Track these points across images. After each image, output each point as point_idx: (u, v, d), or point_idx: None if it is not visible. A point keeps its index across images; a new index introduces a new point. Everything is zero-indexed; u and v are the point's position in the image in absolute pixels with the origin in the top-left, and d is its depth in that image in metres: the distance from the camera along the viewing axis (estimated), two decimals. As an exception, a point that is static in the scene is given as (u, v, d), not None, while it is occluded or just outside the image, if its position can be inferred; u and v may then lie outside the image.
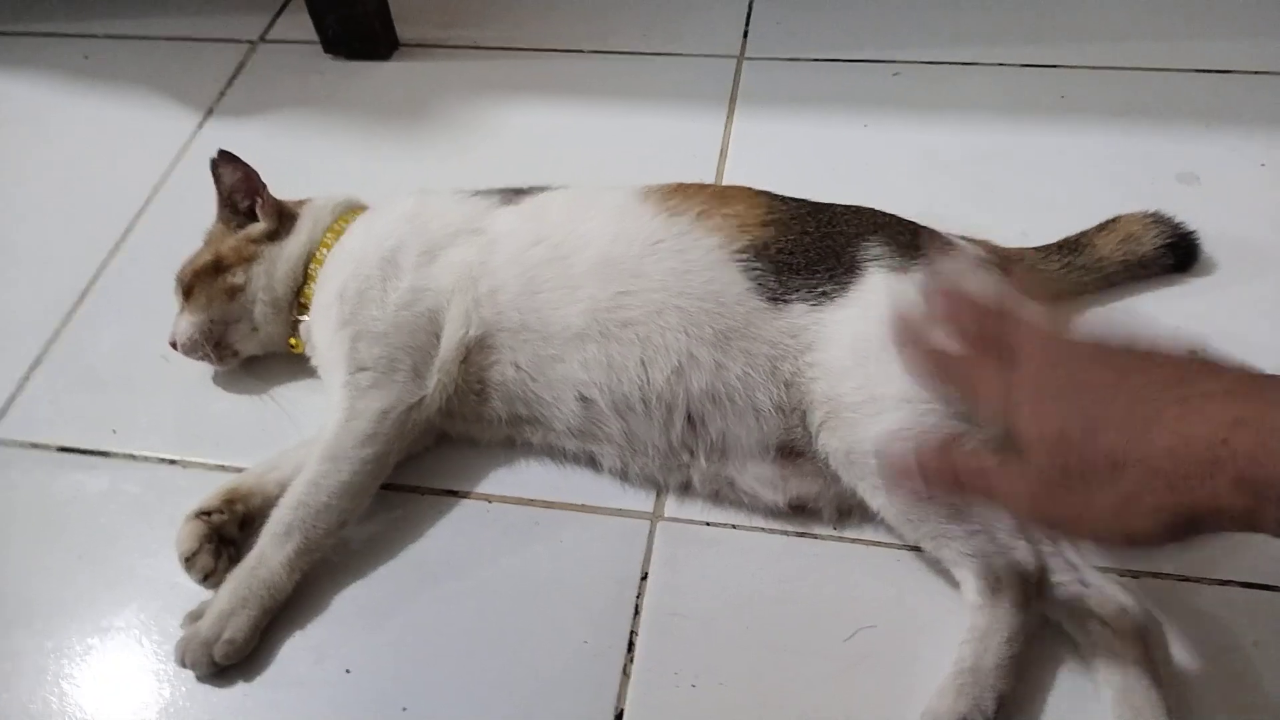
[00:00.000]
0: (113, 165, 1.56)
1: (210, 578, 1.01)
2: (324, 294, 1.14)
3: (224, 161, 1.18)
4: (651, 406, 1.03)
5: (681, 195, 1.11)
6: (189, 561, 1.01)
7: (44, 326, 1.32)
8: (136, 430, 1.19)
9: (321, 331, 1.13)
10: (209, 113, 1.63)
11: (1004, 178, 1.39)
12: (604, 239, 1.07)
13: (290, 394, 1.21)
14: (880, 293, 1.01)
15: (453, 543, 1.06)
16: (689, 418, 1.03)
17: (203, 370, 1.22)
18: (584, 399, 1.05)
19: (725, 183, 1.41)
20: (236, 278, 1.17)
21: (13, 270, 1.42)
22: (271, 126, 1.60)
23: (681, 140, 1.50)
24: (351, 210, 1.23)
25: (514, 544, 1.06)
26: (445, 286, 1.09)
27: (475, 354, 1.08)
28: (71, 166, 1.58)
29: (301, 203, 1.24)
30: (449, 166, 1.50)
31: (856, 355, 0.98)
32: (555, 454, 1.11)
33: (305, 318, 1.17)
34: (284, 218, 1.20)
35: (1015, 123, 1.46)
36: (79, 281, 1.38)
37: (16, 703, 0.97)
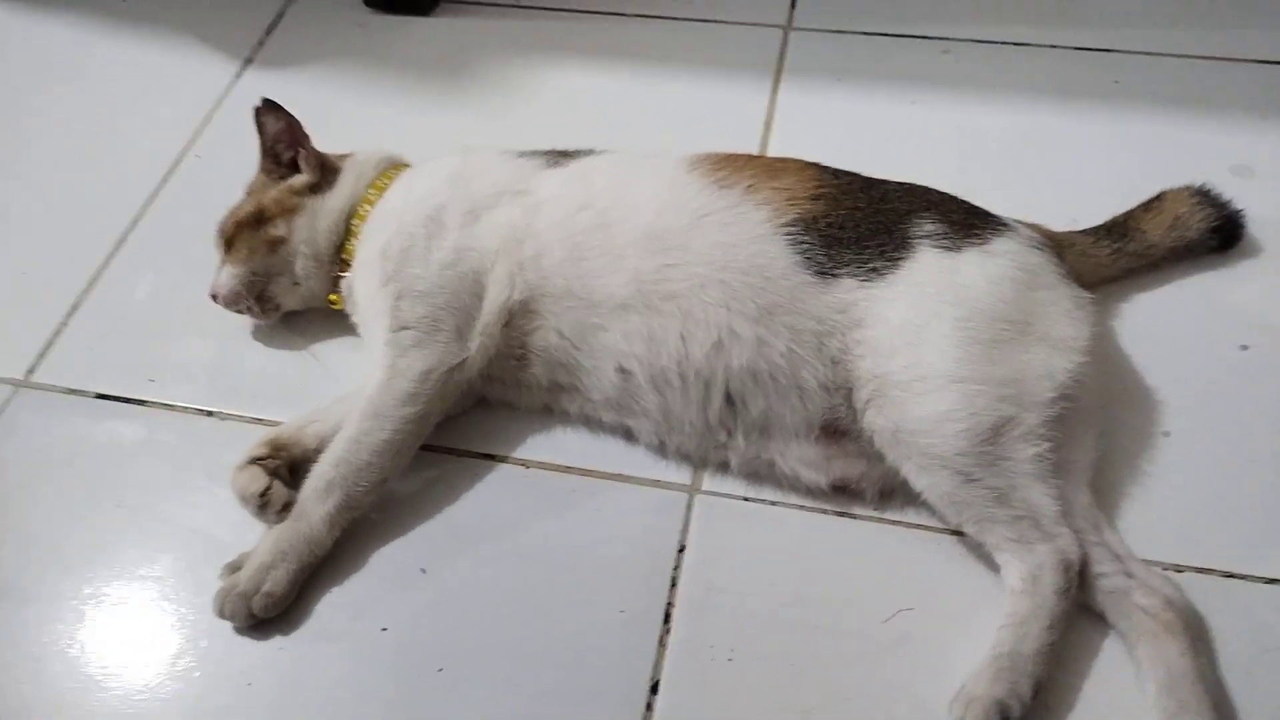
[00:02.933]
0: (151, 111, 1.55)
1: (286, 510, 1.00)
2: (367, 250, 1.13)
3: (267, 110, 1.17)
4: (689, 382, 1.02)
5: (730, 167, 1.09)
6: (263, 499, 1.01)
7: (81, 272, 1.32)
8: (173, 380, 1.19)
9: (364, 288, 1.12)
10: (247, 62, 1.61)
11: (1053, 162, 1.37)
12: (651, 209, 1.06)
13: (329, 350, 1.21)
14: (932, 271, 0.99)
15: (490, 506, 1.06)
16: (728, 396, 1.02)
17: (241, 323, 1.22)
18: (623, 371, 1.04)
19: (770, 154, 1.39)
20: (278, 230, 1.16)
21: (50, 215, 1.42)
22: (309, 78, 1.58)
23: (725, 109, 1.48)
24: (394, 166, 1.22)
25: (551, 510, 1.05)
26: (489, 247, 1.08)
27: (518, 318, 1.07)
28: (110, 112, 1.57)
29: (343, 156, 1.22)
30: (486, 125, 1.49)
31: (906, 333, 0.97)
32: (592, 424, 1.11)
33: (346, 273, 1.16)
34: (326, 171, 1.19)
35: (1066, 107, 1.44)
36: (116, 227, 1.37)
37: (54, 647, 0.97)
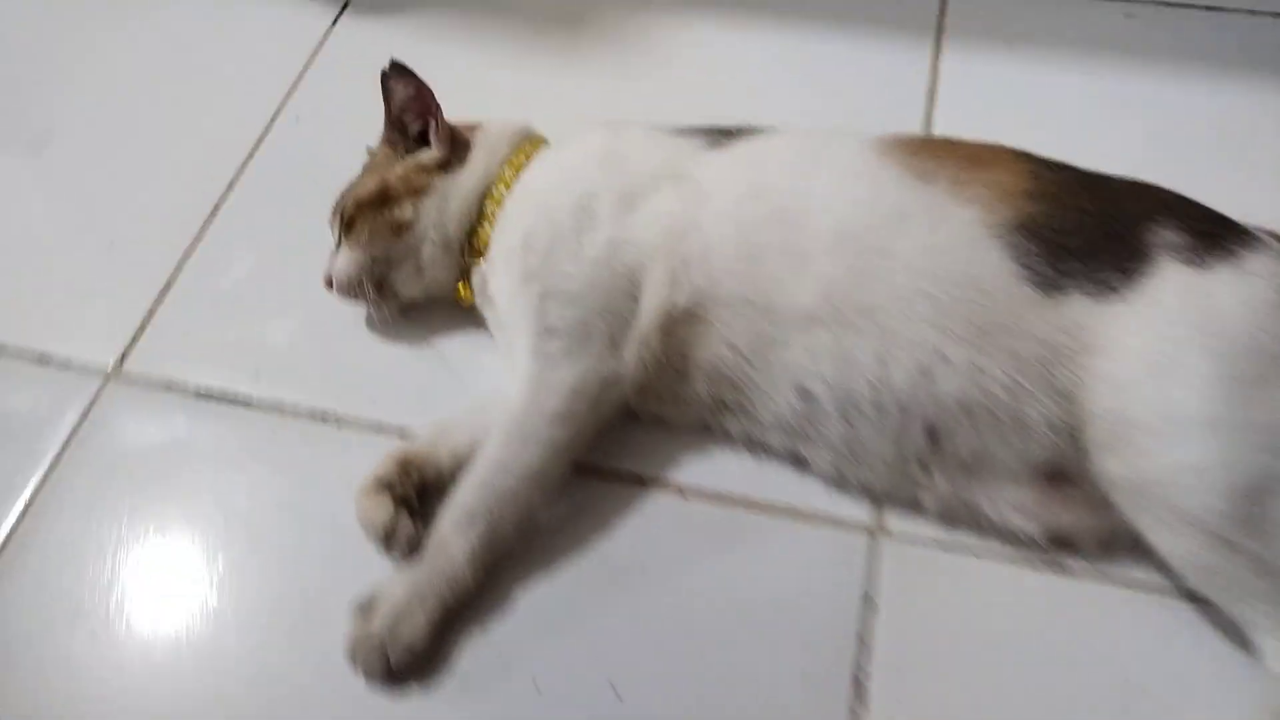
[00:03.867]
0: (238, 65, 1.41)
1: (415, 551, 0.89)
2: (505, 240, 0.99)
3: (396, 75, 1.03)
4: (885, 411, 0.88)
5: (929, 154, 0.94)
6: (387, 534, 0.89)
7: (173, 247, 1.19)
8: (281, 375, 1.07)
9: (501, 283, 0.99)
10: (344, 7, 1.46)
11: (1261, 148, 1.20)
12: (840, 204, 0.91)
13: (455, 347, 1.08)
14: (1179, 290, 0.84)
15: (644, 539, 0.93)
16: (930, 430, 0.88)
17: (354, 314, 1.09)
18: (804, 392, 0.90)
19: (934, 130, 1.24)
20: (405, 212, 1.02)
21: (134, 182, 1.29)
22: (413, 26, 1.43)
23: (881, 75, 1.31)
24: (529, 141, 1.07)
25: (713, 547, 0.93)
26: (647, 241, 0.94)
27: (680, 326, 0.94)
28: (192, 66, 1.43)
29: (471, 128, 1.08)
30: (610, 88, 1.34)
31: (1151, 364, 0.82)
32: (756, 447, 0.97)
33: (479, 263, 1.03)
34: (457, 145, 1.05)
35: (1273, 82, 1.26)
36: (209, 198, 1.24)
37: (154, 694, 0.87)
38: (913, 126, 1.24)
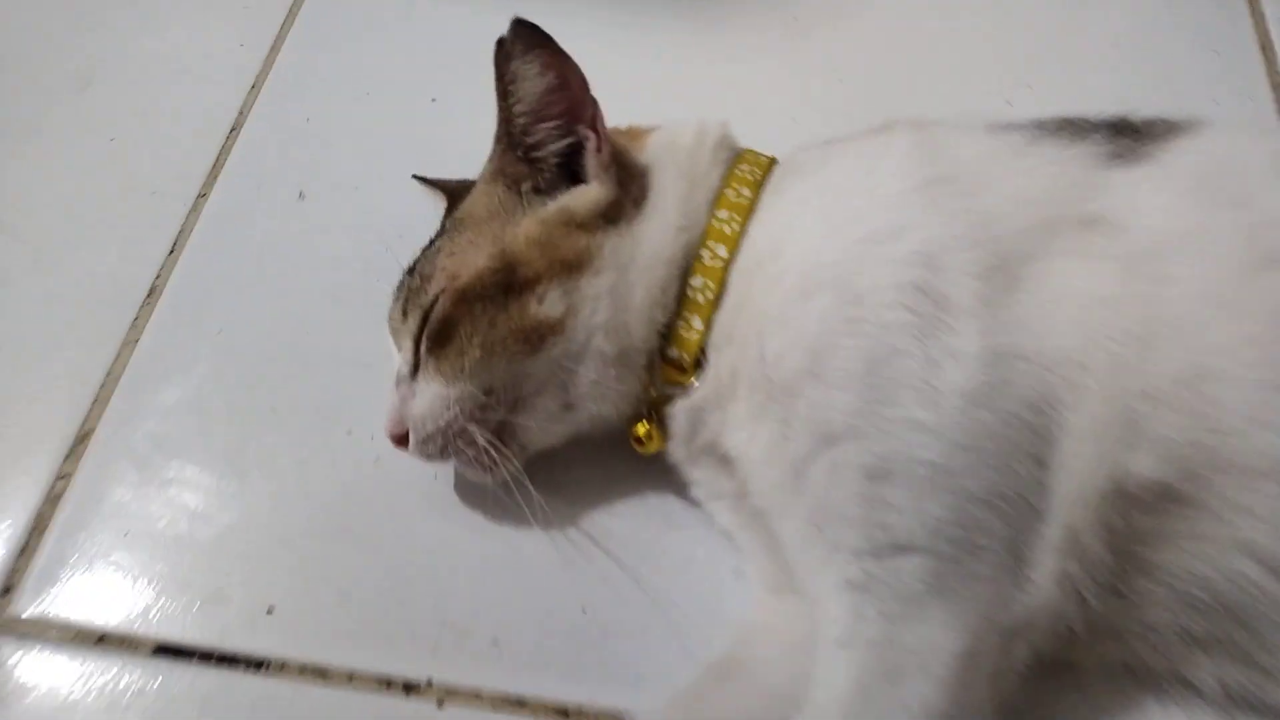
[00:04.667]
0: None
1: None
2: (747, 350, 0.54)
3: (526, 44, 0.54)
4: None
5: None
6: None
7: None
8: (307, 607, 0.59)
9: (754, 436, 0.52)
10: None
11: None
12: None
13: (620, 525, 0.61)
14: None
15: None
16: None
17: (423, 472, 0.61)
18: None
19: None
20: (550, 304, 0.55)
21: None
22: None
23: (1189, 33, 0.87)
24: (744, 161, 0.60)
25: None
26: (1058, 349, 0.49)
27: (1142, 513, 0.48)
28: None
29: (634, 136, 0.61)
30: (776, 55, 0.88)
31: None
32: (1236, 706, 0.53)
33: (683, 386, 0.56)
34: (626, 176, 0.57)
35: None
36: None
37: None
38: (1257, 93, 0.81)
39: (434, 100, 0.83)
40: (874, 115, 0.59)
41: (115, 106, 0.84)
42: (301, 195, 0.78)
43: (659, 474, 0.61)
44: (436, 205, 0.70)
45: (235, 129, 0.82)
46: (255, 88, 0.85)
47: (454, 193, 0.67)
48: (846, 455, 0.49)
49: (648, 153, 0.60)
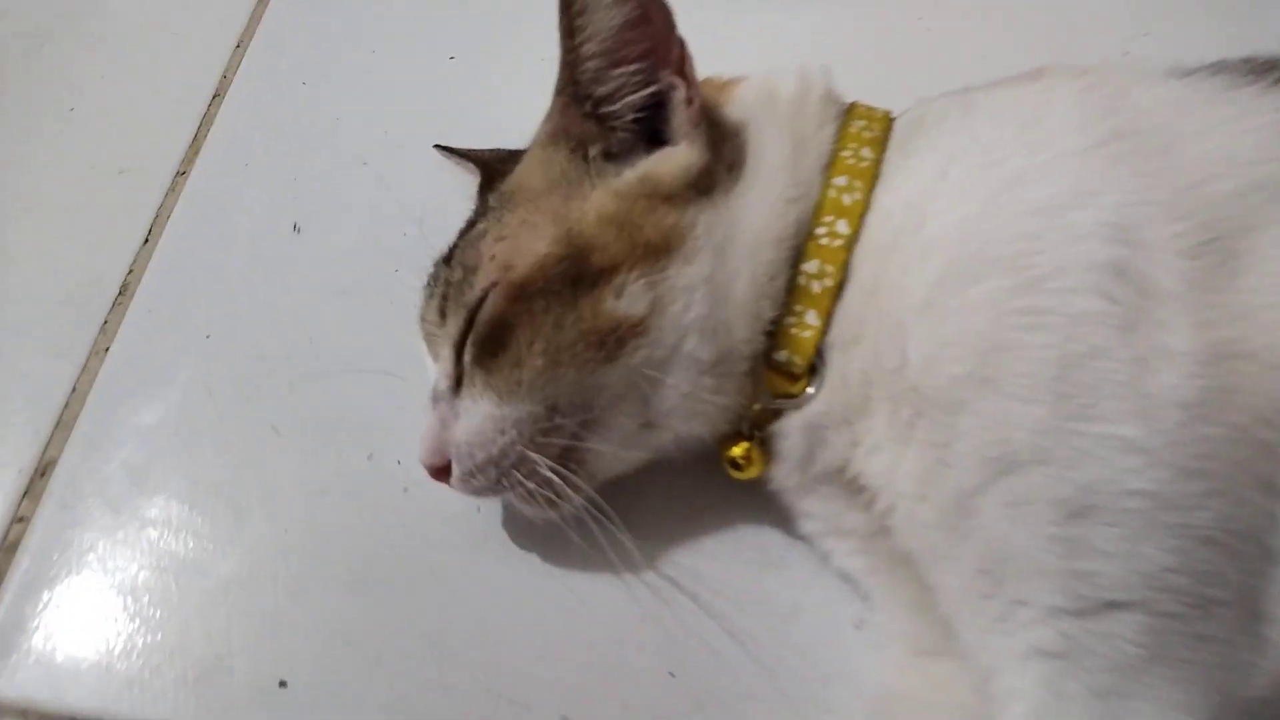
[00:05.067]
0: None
1: None
2: (887, 352, 0.42)
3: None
4: None
5: None
6: None
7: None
8: (326, 679, 0.48)
9: (900, 460, 0.41)
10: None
11: None
12: None
13: (710, 567, 0.50)
14: None
15: None
16: None
17: (464, 505, 0.50)
18: None
19: None
20: (632, 300, 0.44)
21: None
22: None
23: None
24: (855, 114, 0.49)
25: None
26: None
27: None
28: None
29: (718, 88, 0.49)
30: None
31: None
32: None
33: (800, 395, 0.45)
34: (719, 136, 0.46)
35: None
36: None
37: None
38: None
39: (453, 58, 0.72)
40: (973, 71, 0.49)
41: (74, 70, 0.73)
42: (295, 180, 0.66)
43: (752, 501, 0.50)
44: (462, 180, 0.59)
45: (218, 95, 0.71)
46: (241, 46, 0.74)
47: (488, 164, 0.56)
48: (1033, 487, 0.38)
49: (738, 107, 0.48)
